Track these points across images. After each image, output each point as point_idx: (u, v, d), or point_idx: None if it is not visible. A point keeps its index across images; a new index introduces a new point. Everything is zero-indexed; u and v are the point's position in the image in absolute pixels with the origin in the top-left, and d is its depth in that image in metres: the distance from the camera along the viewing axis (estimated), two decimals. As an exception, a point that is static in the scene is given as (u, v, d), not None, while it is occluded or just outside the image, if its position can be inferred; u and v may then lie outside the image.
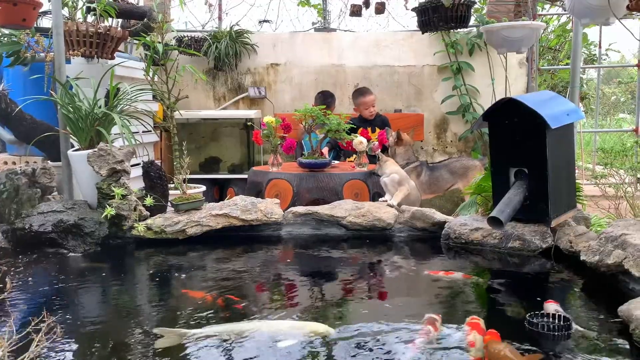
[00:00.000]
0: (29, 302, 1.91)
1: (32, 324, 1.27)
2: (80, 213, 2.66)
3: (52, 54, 3.15)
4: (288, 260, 2.62)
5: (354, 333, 1.58)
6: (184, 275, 2.26)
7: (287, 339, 1.53)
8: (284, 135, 3.52)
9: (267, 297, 2.06)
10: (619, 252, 1.94)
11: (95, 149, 2.75)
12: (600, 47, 5.50)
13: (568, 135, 2.54)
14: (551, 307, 1.72)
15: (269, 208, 2.80)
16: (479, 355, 1.43)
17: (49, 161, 3.20)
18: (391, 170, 3.16)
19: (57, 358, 1.45)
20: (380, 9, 5.06)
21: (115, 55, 3.50)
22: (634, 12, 3.10)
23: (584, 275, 2.15)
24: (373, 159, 4.13)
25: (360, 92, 4.57)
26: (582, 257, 2.11)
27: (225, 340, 1.54)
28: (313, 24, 5.84)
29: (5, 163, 3.66)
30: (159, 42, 3.48)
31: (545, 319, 1.63)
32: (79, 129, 2.97)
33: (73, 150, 3.01)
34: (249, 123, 4.74)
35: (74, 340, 1.58)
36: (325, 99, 4.61)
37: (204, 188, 3.80)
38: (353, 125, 3.62)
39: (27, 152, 3.42)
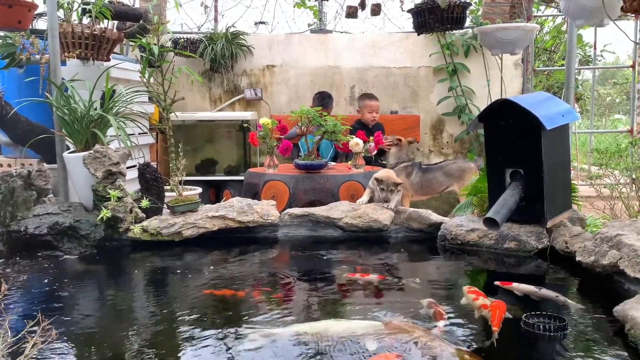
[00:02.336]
0: (24, 304, 1.90)
1: (27, 326, 1.27)
2: (76, 215, 2.65)
3: (48, 56, 3.14)
4: (294, 260, 2.62)
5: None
6: (206, 273, 2.27)
7: (369, 340, 1.53)
8: (280, 136, 3.52)
9: (298, 292, 2.09)
10: (614, 253, 1.95)
11: (91, 151, 2.74)
12: (595, 48, 5.54)
13: (563, 136, 2.55)
14: (523, 286, 1.93)
15: (265, 210, 2.80)
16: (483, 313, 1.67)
17: (44, 163, 3.19)
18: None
19: (53, 361, 1.44)
20: (376, 10, 5.06)
21: (110, 57, 3.50)
22: (628, 14, 3.12)
23: (579, 276, 2.16)
24: (369, 160, 4.14)
25: (367, 96, 4.62)
26: (578, 258, 2.12)
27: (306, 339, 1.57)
28: (309, 25, 5.86)
29: (1, 165, 3.65)
30: (155, 44, 3.47)
31: (541, 319, 1.64)
32: (75, 131, 2.96)
33: (69, 153, 3.00)
34: (245, 125, 4.75)
35: (69, 342, 1.57)
36: (323, 99, 4.61)
37: (200, 190, 3.80)
38: (350, 127, 3.63)
39: (22, 154, 3.41)
